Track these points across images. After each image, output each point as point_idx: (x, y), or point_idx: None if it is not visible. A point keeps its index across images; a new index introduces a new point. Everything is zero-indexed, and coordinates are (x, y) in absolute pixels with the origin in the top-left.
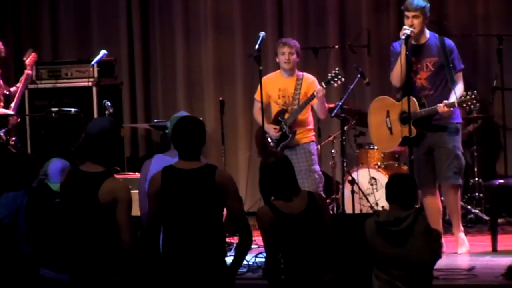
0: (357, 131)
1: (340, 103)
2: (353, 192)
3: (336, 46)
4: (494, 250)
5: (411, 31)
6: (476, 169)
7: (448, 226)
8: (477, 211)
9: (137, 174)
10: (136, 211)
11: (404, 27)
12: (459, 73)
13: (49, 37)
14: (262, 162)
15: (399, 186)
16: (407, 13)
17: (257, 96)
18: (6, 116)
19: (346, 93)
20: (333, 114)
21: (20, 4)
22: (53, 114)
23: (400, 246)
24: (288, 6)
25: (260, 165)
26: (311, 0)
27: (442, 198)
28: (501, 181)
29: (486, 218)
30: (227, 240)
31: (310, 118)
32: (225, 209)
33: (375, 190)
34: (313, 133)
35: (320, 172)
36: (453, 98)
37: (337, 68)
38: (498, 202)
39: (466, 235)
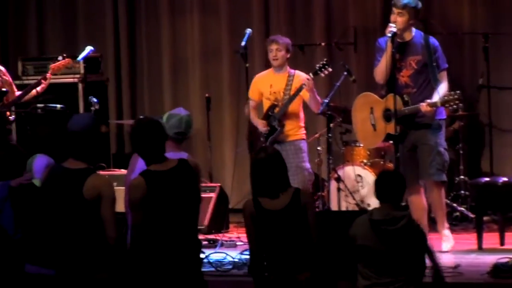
0: (343, 129)
1: (326, 101)
2: (339, 189)
3: (323, 43)
4: (480, 248)
5: (398, 29)
6: (461, 167)
7: (433, 224)
8: (462, 209)
9: (123, 171)
10: (121, 207)
11: (390, 24)
12: (443, 72)
13: (36, 33)
14: (253, 157)
15: (390, 183)
16: (393, 8)
17: (250, 94)
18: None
19: (333, 91)
20: (319, 112)
21: (7, 0)
22: (39, 110)
23: (394, 246)
24: (274, 3)
25: (251, 160)
26: None
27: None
28: (487, 179)
29: (472, 216)
30: (213, 236)
31: (302, 115)
32: None
33: (360, 188)
34: (304, 131)
35: (310, 170)
36: (436, 97)
37: (325, 59)
38: (484, 200)
39: (451, 233)
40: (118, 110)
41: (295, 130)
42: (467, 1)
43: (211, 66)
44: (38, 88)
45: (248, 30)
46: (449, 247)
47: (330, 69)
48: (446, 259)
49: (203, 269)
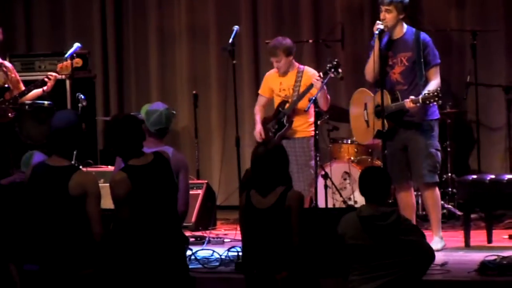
0: (330, 126)
1: (313, 98)
2: (326, 186)
3: (310, 41)
4: (467, 246)
5: (385, 26)
6: (449, 165)
7: (420, 221)
8: (450, 206)
9: (110, 167)
10: (108, 204)
11: (377, 22)
12: (433, 69)
13: (23, 30)
14: (253, 150)
15: (373, 180)
16: (381, 6)
17: (260, 91)
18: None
19: (320, 87)
20: (306, 109)
21: None
22: (26, 107)
23: (386, 241)
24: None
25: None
26: None
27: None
28: (474, 176)
29: (459, 213)
30: (200, 233)
31: (312, 112)
32: None
33: (348, 185)
34: (313, 128)
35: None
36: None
37: (335, 59)
38: (471, 197)
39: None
40: (105, 107)
41: (304, 127)
42: None
43: (198, 63)
44: (45, 87)
45: (236, 27)
46: (439, 247)
47: (340, 70)
48: None
49: (190, 266)
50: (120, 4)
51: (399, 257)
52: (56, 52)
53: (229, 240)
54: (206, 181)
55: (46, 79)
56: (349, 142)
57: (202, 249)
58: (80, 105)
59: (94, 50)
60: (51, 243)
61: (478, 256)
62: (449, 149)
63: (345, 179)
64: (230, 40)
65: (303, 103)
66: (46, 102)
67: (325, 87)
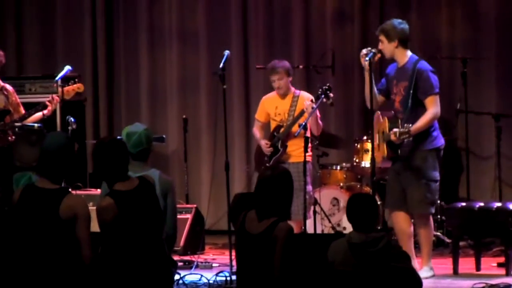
0: (320, 152)
1: (303, 123)
2: (315, 212)
3: (301, 66)
4: (456, 273)
5: (373, 53)
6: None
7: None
8: (438, 233)
9: (99, 190)
10: (97, 227)
11: (363, 49)
12: (429, 98)
13: (14, 52)
14: (260, 172)
15: (359, 207)
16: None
17: (257, 116)
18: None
19: (310, 113)
20: (296, 134)
21: None
22: (16, 129)
23: (375, 268)
24: (253, 25)
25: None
26: (276, 19)
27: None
28: (463, 204)
29: (448, 241)
30: (188, 257)
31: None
32: None
33: (337, 211)
34: (309, 153)
35: (311, 193)
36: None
37: (327, 84)
38: (460, 225)
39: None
40: (95, 130)
41: (298, 152)
42: (446, 26)
43: (188, 87)
44: (45, 111)
45: (226, 52)
46: (428, 276)
47: (331, 95)
48: None
49: None
50: (111, 28)
51: (388, 285)
52: (46, 75)
53: (217, 264)
54: (195, 206)
55: (47, 103)
56: (338, 168)
57: (190, 274)
58: (70, 128)
59: (84, 73)
60: (40, 266)
61: (467, 284)
62: None
63: (334, 205)
64: (221, 65)
65: (296, 128)
66: (36, 125)
67: (318, 113)
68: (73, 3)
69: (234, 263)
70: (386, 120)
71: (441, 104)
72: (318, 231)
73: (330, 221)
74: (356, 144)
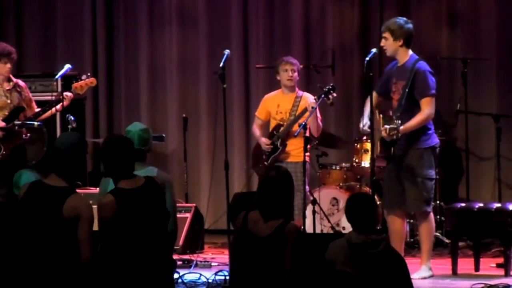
0: (320, 151)
1: (303, 123)
2: (314, 212)
3: (301, 66)
4: (454, 273)
5: (374, 53)
6: (437, 192)
7: (407, 249)
8: (438, 234)
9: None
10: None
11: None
12: (425, 99)
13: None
14: (263, 173)
15: (358, 207)
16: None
17: (257, 113)
18: None
19: (310, 113)
20: (296, 134)
21: None
22: (16, 128)
23: (375, 270)
24: (253, 24)
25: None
26: (276, 19)
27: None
28: (463, 204)
29: (447, 241)
30: (187, 257)
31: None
32: None
33: (336, 211)
34: (307, 153)
35: (308, 194)
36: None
37: (331, 84)
38: (459, 225)
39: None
40: (95, 129)
41: (297, 151)
42: (445, 26)
43: (188, 86)
44: (58, 106)
45: (226, 52)
46: (426, 276)
47: (334, 94)
48: (420, 284)
49: None
50: (111, 27)
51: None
52: (46, 73)
53: (216, 264)
54: (194, 205)
55: (67, 94)
56: (338, 168)
57: (189, 273)
58: (69, 126)
59: (84, 71)
60: (39, 262)
61: (465, 284)
62: (437, 177)
63: (333, 205)
64: (221, 64)
65: (296, 128)
66: (36, 123)
67: (319, 114)
68: (73, 3)
69: None
70: (381, 118)
71: (441, 104)
72: (318, 231)
73: (329, 221)
74: (355, 144)
